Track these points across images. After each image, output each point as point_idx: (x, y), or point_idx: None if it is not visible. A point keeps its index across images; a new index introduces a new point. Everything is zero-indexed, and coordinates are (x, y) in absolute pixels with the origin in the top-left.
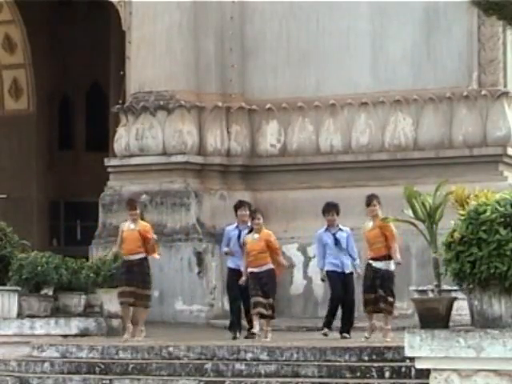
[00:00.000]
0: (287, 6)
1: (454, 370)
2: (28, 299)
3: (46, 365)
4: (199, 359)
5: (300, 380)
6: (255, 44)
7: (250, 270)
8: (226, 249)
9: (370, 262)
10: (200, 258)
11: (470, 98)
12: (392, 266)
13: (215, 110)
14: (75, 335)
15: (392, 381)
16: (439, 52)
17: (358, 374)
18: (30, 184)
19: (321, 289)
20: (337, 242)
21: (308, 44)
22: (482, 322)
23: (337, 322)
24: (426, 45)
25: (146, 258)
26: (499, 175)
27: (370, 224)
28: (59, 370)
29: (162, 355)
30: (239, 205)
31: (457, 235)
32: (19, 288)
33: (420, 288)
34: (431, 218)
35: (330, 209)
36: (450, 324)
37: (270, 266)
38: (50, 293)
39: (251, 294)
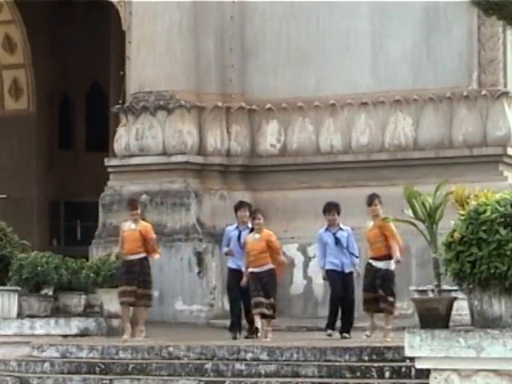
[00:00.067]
0: (287, 6)
1: (454, 370)
2: (28, 299)
3: (46, 365)
4: (199, 359)
5: (300, 380)
6: (255, 44)
7: (250, 270)
8: (226, 249)
9: (370, 261)
10: (200, 258)
11: (469, 98)
12: (392, 266)
13: (215, 110)
14: (75, 335)
15: (392, 381)
16: (439, 52)
17: (358, 374)
18: (30, 184)
19: (321, 289)
20: (337, 241)
21: (308, 44)
22: (482, 322)
23: (337, 322)
24: (425, 45)
25: (146, 258)
26: (499, 175)
27: (371, 224)
28: (59, 370)
29: (162, 355)
30: (239, 205)
31: (457, 235)
32: (19, 288)
33: (420, 288)
34: (431, 218)
35: (331, 208)
36: (450, 324)
37: (271, 265)
38: (50, 293)
39: (252, 294)
